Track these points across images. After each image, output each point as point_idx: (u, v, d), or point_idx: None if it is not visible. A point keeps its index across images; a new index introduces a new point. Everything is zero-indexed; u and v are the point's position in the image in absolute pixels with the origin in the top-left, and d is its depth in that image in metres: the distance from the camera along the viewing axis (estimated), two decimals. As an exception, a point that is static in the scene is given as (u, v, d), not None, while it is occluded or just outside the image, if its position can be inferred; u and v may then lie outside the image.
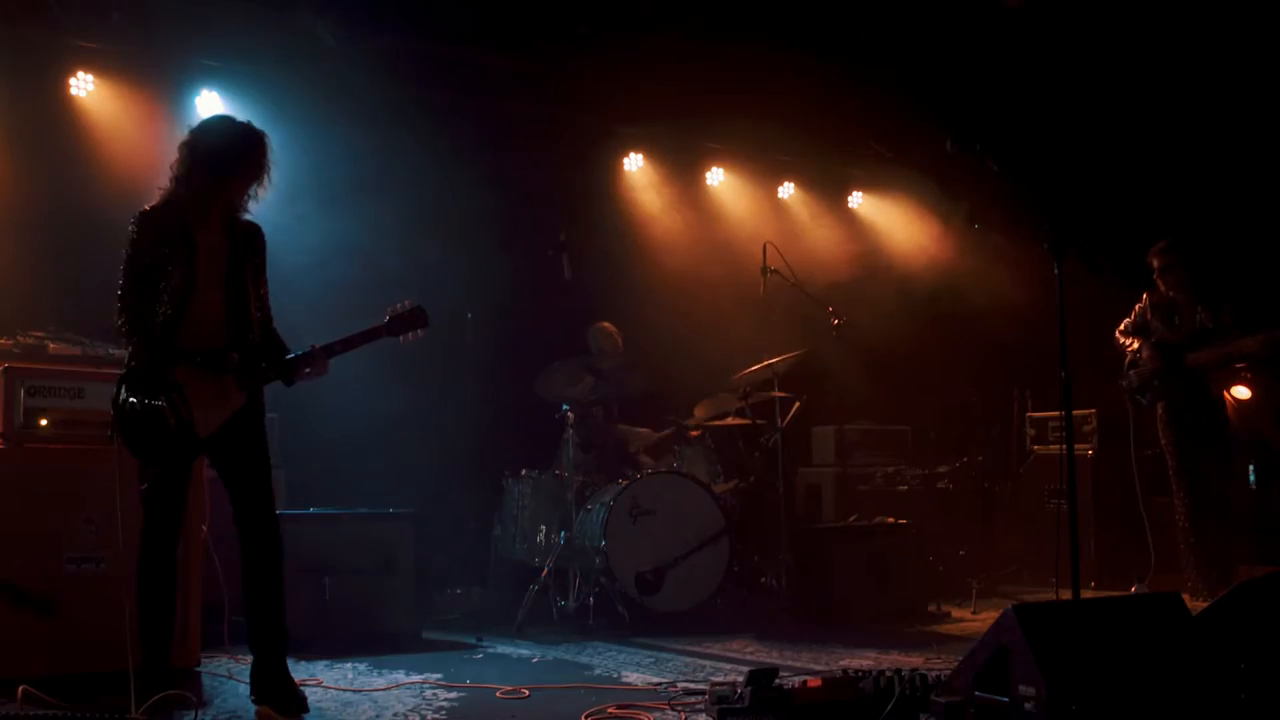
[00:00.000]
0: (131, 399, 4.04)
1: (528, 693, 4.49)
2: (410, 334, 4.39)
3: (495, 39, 7.85)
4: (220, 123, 4.30)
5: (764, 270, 7.08)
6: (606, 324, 7.59)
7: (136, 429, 4.04)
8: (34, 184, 6.71)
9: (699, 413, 7.57)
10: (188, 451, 4.13)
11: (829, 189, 9.87)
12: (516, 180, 8.08)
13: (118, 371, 4.17)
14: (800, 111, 8.53)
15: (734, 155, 9.40)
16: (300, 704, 4.16)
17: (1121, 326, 6.98)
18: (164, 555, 4.14)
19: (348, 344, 4.31)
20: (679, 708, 4.15)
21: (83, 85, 6.97)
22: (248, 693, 4.25)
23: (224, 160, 4.16)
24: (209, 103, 7.19)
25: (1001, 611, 3.51)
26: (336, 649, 5.38)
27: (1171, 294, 6.81)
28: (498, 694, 4.49)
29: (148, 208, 4.17)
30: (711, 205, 9.41)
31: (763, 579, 6.92)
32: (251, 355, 4.21)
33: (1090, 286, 5.09)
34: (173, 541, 4.16)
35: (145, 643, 4.10)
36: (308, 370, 4.28)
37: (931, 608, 6.80)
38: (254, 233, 4.35)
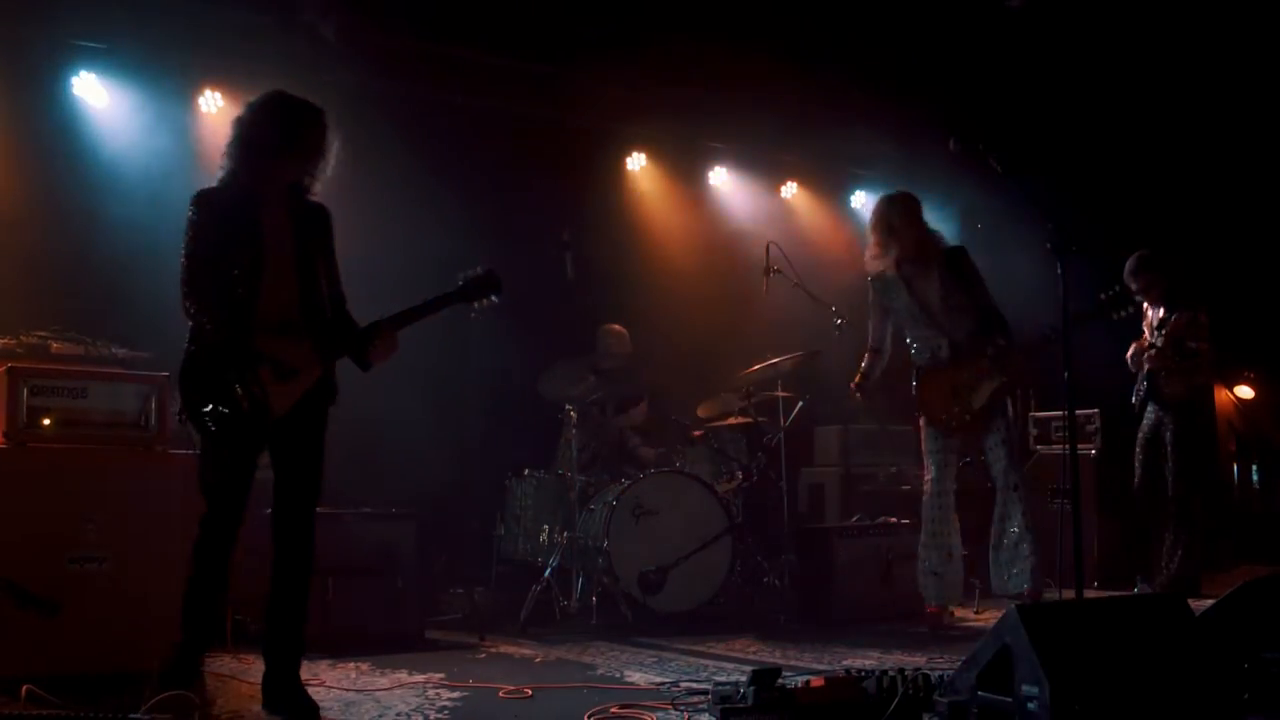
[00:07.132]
0: (203, 378, 3.84)
1: (530, 692, 4.49)
2: (483, 300, 4.16)
3: (498, 39, 7.84)
4: (268, 100, 4.08)
5: (767, 270, 7.08)
6: (616, 326, 7.56)
7: (209, 408, 3.82)
8: (36, 183, 6.70)
9: (702, 412, 7.57)
10: (258, 435, 3.93)
11: (832, 189, 9.86)
12: (519, 180, 8.07)
13: (121, 371, 4.15)
14: (803, 111, 8.52)
15: (737, 155, 9.38)
16: (311, 713, 4.02)
17: None
18: (221, 548, 3.94)
19: (413, 314, 4.09)
20: (682, 707, 4.14)
21: (86, 85, 6.97)
22: (250, 693, 4.24)
23: (270, 141, 3.98)
24: (212, 102, 7.19)
25: (1004, 611, 3.51)
26: (339, 649, 5.36)
27: None
28: (500, 694, 4.48)
29: (206, 189, 4.00)
30: (714, 205, 9.40)
31: (765, 579, 6.92)
32: (327, 329, 4.05)
33: (1094, 285, 5.10)
34: (231, 535, 3.95)
35: (186, 634, 3.93)
36: (378, 345, 4.07)
37: (934, 607, 6.79)
38: (319, 212, 4.19)
